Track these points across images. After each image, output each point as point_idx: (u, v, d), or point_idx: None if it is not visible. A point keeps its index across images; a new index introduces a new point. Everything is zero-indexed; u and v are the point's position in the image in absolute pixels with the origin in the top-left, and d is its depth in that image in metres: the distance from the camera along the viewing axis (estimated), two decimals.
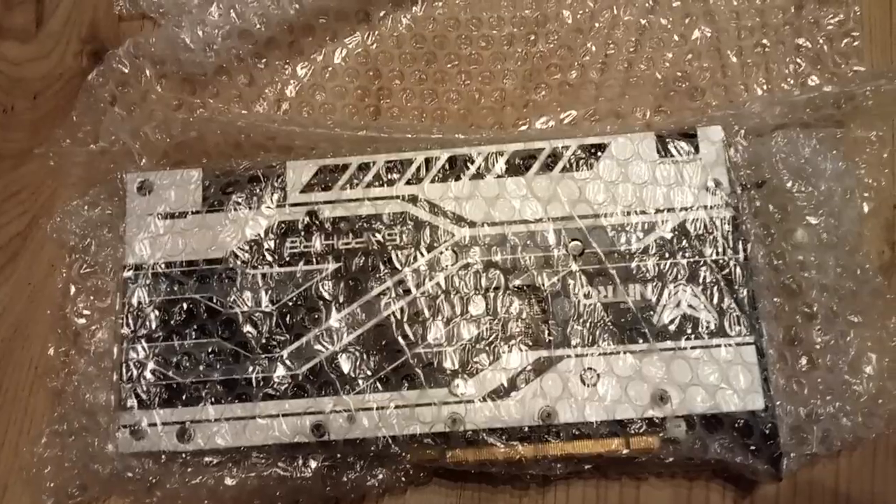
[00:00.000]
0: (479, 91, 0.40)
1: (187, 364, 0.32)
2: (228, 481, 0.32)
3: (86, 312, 0.35)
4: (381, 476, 0.32)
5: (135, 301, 0.33)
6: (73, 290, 0.35)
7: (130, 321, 0.32)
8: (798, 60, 0.39)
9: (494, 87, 0.40)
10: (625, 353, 0.31)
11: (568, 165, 0.33)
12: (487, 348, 0.32)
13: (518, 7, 0.41)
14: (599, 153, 0.34)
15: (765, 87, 0.39)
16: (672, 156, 0.33)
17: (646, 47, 0.40)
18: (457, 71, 0.40)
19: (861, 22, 0.39)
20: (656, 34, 0.40)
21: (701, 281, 0.32)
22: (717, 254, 0.32)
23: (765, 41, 0.39)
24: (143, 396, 0.32)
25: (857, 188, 0.35)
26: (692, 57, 0.39)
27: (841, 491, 0.33)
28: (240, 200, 0.33)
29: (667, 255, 0.32)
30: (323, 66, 0.40)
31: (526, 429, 0.31)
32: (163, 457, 0.31)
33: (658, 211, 0.33)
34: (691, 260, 0.32)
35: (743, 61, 0.39)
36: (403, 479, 0.33)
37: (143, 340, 0.32)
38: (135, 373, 0.32)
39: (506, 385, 0.31)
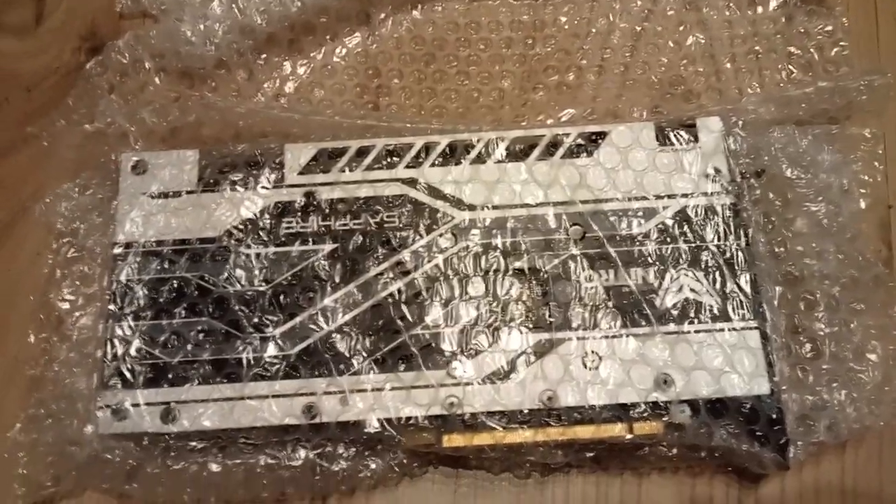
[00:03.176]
0: (477, 90, 0.40)
1: (175, 343, 0.31)
2: (213, 467, 0.30)
3: (70, 298, 0.34)
4: (373, 466, 0.31)
5: (123, 278, 0.32)
6: (58, 274, 0.34)
7: (118, 298, 0.31)
8: (790, 67, 0.40)
9: (493, 86, 0.40)
10: (627, 336, 0.30)
11: (568, 152, 0.33)
12: (486, 330, 0.31)
13: (516, 13, 0.41)
14: (600, 141, 0.34)
15: (758, 91, 0.39)
16: (671, 144, 0.33)
17: (641, 52, 0.40)
18: (455, 71, 0.40)
19: (848, 32, 0.40)
20: (651, 40, 0.40)
21: (703, 266, 0.31)
22: (719, 239, 0.32)
23: (757, 48, 0.40)
24: (127, 375, 0.30)
25: (853, 183, 0.35)
26: (687, 62, 0.40)
27: (847, 486, 0.32)
28: (236, 180, 0.33)
29: (668, 239, 0.32)
30: (322, 65, 0.40)
31: (526, 412, 0.30)
32: (145, 439, 0.30)
33: (658, 197, 0.33)
34: (693, 245, 0.32)
35: (736, 67, 0.40)
36: (397, 469, 0.31)
37: (129, 318, 0.31)
38: (119, 350, 0.31)
39: (505, 367, 0.30)
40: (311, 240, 0.32)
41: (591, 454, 0.30)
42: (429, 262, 0.32)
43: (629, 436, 0.29)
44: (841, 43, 0.39)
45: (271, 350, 0.30)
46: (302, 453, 0.31)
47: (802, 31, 0.40)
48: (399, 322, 0.31)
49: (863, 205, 0.35)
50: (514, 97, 0.40)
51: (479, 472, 0.33)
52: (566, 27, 0.41)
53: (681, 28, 0.40)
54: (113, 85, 0.38)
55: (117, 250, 0.32)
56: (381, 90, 0.40)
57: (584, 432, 0.29)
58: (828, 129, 0.35)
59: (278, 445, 0.31)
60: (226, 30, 0.38)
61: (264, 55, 0.40)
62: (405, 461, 0.31)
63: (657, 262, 0.32)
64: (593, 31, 0.41)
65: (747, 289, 0.31)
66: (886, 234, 0.36)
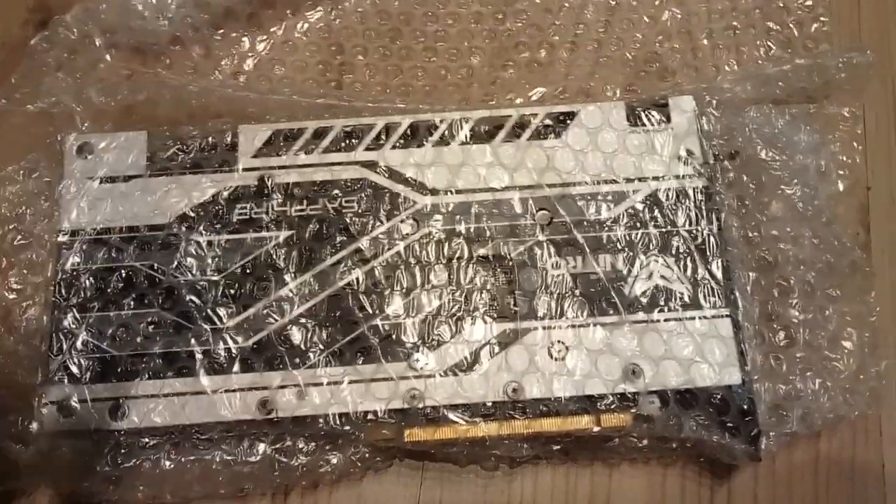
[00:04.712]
0: (445, 68, 0.38)
1: (123, 336, 0.29)
2: (167, 464, 0.29)
3: (17, 287, 0.32)
4: (334, 460, 0.30)
5: (68, 267, 0.30)
6: (4, 263, 0.32)
7: (63, 289, 0.30)
8: (769, 43, 0.38)
9: (461, 63, 0.38)
10: (595, 325, 0.29)
11: (535, 133, 0.32)
12: (449, 320, 0.30)
13: None
14: (568, 121, 0.32)
15: (735, 68, 0.38)
16: (643, 125, 0.32)
17: (615, 28, 0.39)
18: (422, 47, 0.39)
19: (829, 7, 0.38)
20: (626, 15, 0.39)
21: (674, 252, 0.30)
22: (690, 224, 0.31)
23: (735, 24, 0.39)
24: (74, 370, 0.29)
25: (831, 164, 0.34)
26: (662, 38, 0.38)
27: (821, 476, 0.31)
28: (187, 164, 0.31)
29: (638, 225, 0.31)
30: (283, 40, 0.38)
31: (490, 405, 0.29)
32: (93, 436, 0.29)
33: (629, 180, 0.31)
34: (663, 230, 0.31)
35: (714, 43, 0.38)
36: (359, 463, 0.30)
37: (75, 310, 0.30)
38: (65, 344, 0.29)
39: (469, 358, 0.29)
40: (265, 226, 0.31)
41: (559, 447, 0.30)
42: (389, 249, 0.30)
43: (597, 428, 0.28)
44: (821, 18, 0.38)
45: (224, 343, 0.29)
46: (260, 448, 0.30)
47: (782, 5, 0.39)
48: (358, 313, 0.30)
49: (841, 187, 0.34)
50: (483, 75, 0.38)
51: (446, 464, 0.32)
52: (538, 1, 0.39)
53: (656, 2, 0.39)
54: (61, 63, 0.36)
55: (62, 238, 0.31)
56: (344, 67, 0.38)
57: (551, 425, 0.28)
58: (805, 109, 0.34)
59: (235, 440, 0.30)
60: (179, 3, 0.36)
61: (221, 30, 0.38)
62: (367, 455, 0.30)
63: (626, 249, 0.30)
64: (566, 5, 0.39)
65: (719, 275, 0.30)
66: (865, 217, 0.35)
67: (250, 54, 0.38)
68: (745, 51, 0.38)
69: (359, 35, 0.39)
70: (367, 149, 0.32)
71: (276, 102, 0.34)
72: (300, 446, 0.30)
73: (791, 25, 0.38)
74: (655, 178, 0.31)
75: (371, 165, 0.31)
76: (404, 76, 0.38)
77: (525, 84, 0.38)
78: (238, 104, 0.34)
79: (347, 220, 0.31)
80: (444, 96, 0.38)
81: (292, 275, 0.30)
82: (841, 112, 0.35)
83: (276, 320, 0.29)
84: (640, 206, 0.31)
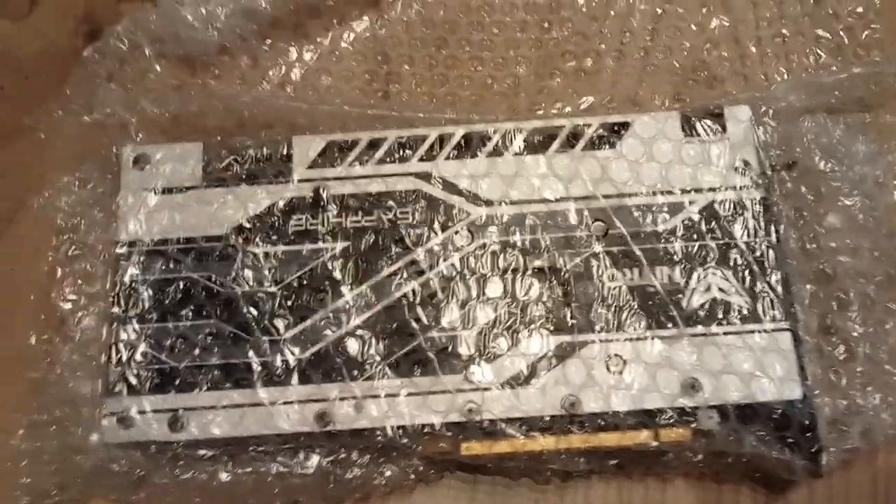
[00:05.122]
0: (491, 77, 0.38)
1: (182, 347, 0.29)
2: (223, 476, 0.29)
3: (72, 297, 0.32)
4: (388, 473, 0.30)
5: (127, 279, 0.30)
6: (59, 273, 0.33)
7: (122, 300, 0.30)
8: (818, 51, 0.38)
9: (507, 73, 0.38)
10: (653, 338, 0.29)
11: (589, 143, 0.32)
12: (506, 333, 0.29)
13: None
14: (622, 131, 0.32)
15: (785, 76, 0.37)
16: (698, 135, 0.32)
17: (662, 36, 0.38)
18: (468, 56, 0.39)
19: (880, 13, 0.38)
20: (672, 23, 0.39)
21: (732, 264, 0.30)
22: (748, 236, 0.30)
23: (784, 31, 0.38)
24: (133, 381, 0.29)
25: (888, 174, 0.33)
26: (710, 46, 0.38)
27: (879, 492, 0.31)
28: (242, 176, 0.31)
29: (695, 236, 0.30)
30: (330, 50, 0.39)
31: (547, 418, 0.28)
32: (152, 448, 0.29)
33: (685, 191, 0.31)
34: (721, 242, 0.30)
35: (762, 51, 0.38)
36: (413, 475, 0.30)
37: (134, 321, 0.30)
38: (125, 355, 0.29)
39: (526, 372, 0.29)
40: (321, 238, 0.31)
41: (615, 461, 0.29)
42: (444, 261, 0.30)
43: (655, 443, 0.28)
44: (872, 25, 0.38)
45: (282, 354, 0.29)
46: (314, 460, 0.30)
47: (831, 12, 0.38)
48: (414, 324, 0.30)
49: None
50: (529, 84, 0.38)
51: (497, 477, 0.31)
52: (584, 9, 0.39)
53: (703, 10, 0.39)
54: (112, 73, 0.37)
55: (120, 249, 0.31)
56: (390, 77, 0.38)
57: (609, 440, 0.28)
58: (861, 118, 0.34)
59: (290, 452, 0.30)
60: (228, 13, 0.36)
61: (269, 40, 0.38)
62: (421, 468, 0.30)
63: (683, 261, 0.30)
64: (612, 13, 0.39)
65: (778, 288, 0.30)
66: None
67: (297, 64, 0.38)
68: (794, 59, 0.38)
69: (404, 44, 0.39)
70: (421, 160, 0.32)
71: (326, 113, 0.34)
72: (354, 458, 0.30)
73: (841, 33, 0.38)
74: (712, 190, 0.31)
75: (425, 176, 0.31)
76: (450, 85, 0.38)
77: (572, 93, 0.37)
78: (288, 114, 0.34)
79: (402, 231, 0.31)
80: (490, 106, 0.37)
81: (349, 286, 0.30)
82: None
83: (334, 332, 0.29)
84: (696, 218, 0.31)
